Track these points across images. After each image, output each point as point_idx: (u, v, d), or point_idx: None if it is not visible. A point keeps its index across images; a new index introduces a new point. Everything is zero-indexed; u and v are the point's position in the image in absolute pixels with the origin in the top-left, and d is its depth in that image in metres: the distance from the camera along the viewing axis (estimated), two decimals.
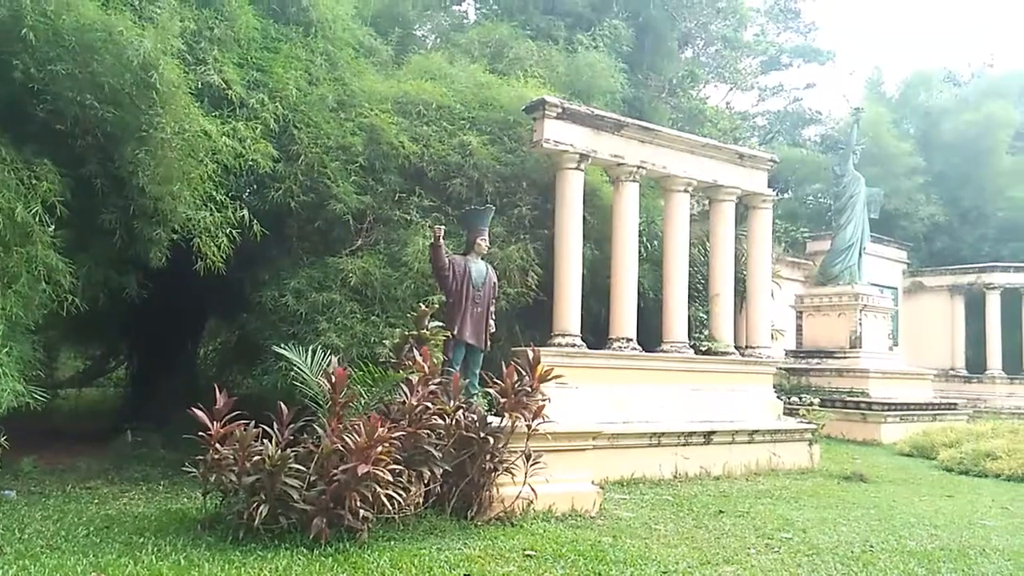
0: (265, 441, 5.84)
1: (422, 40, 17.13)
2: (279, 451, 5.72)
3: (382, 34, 12.81)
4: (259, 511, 5.50)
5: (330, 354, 7.17)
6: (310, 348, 7.17)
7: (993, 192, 26.45)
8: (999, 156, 26.78)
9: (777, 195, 28.89)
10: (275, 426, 5.97)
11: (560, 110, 10.20)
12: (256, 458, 5.71)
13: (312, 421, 6.33)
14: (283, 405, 6.11)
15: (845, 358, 18.25)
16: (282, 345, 7.08)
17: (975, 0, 64.55)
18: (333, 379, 6.11)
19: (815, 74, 29.20)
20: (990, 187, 26.41)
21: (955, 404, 19.50)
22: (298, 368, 6.78)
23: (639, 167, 10.96)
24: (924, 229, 26.44)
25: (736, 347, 12.33)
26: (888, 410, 16.87)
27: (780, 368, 17.61)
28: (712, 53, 21.30)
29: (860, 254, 19.45)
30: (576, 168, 10.44)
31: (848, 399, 17.22)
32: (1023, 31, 69.60)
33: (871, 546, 6.57)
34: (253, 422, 5.98)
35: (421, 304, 7.81)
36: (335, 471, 5.64)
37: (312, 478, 5.79)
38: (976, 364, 23.98)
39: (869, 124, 24.36)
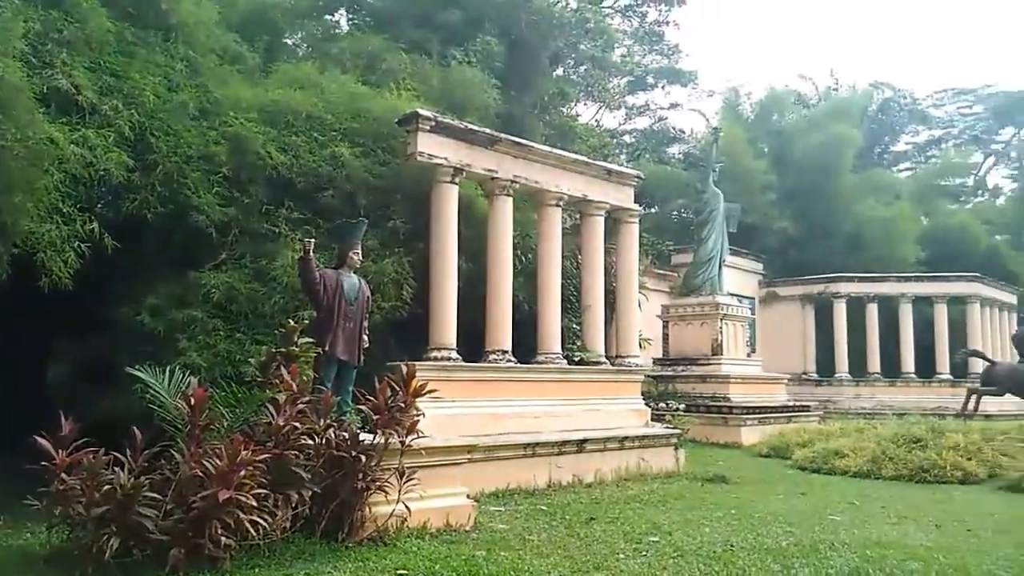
0: (117, 469, 5.47)
1: (292, 49, 16.72)
2: (132, 479, 5.37)
3: (249, 41, 12.40)
4: (109, 544, 5.15)
5: (190, 374, 6.83)
6: (168, 368, 6.80)
7: (839, 207, 28.62)
8: (844, 174, 29.06)
9: (644, 210, 30.08)
10: (128, 453, 5.61)
11: (434, 123, 10.21)
12: (107, 488, 5.33)
13: (170, 446, 6.00)
14: (136, 430, 5.75)
15: (708, 365, 19.17)
16: (138, 366, 6.67)
17: (824, 27, 69.85)
18: (192, 401, 5.81)
19: (679, 95, 30.97)
20: (837, 203, 28.56)
21: (808, 406, 20.87)
22: (154, 390, 6.41)
23: (513, 181, 11.12)
24: (778, 242, 28.25)
25: (607, 356, 12.70)
26: (747, 413, 17.83)
27: (648, 376, 18.26)
28: (582, 72, 21.99)
29: (720, 266, 20.53)
30: (451, 182, 10.46)
31: (711, 404, 18.07)
32: (862, 55, 75.92)
33: (732, 545, 6.91)
34: (103, 449, 5.59)
35: (290, 320, 7.58)
36: (194, 498, 5.36)
37: (169, 507, 5.48)
38: (826, 368, 25.78)
39: (727, 143, 25.83)
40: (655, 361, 20.18)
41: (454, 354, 10.24)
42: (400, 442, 6.66)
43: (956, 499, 10.38)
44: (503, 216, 11.05)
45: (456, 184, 10.52)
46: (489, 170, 10.90)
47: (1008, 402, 18.99)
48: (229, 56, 11.03)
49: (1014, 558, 6.77)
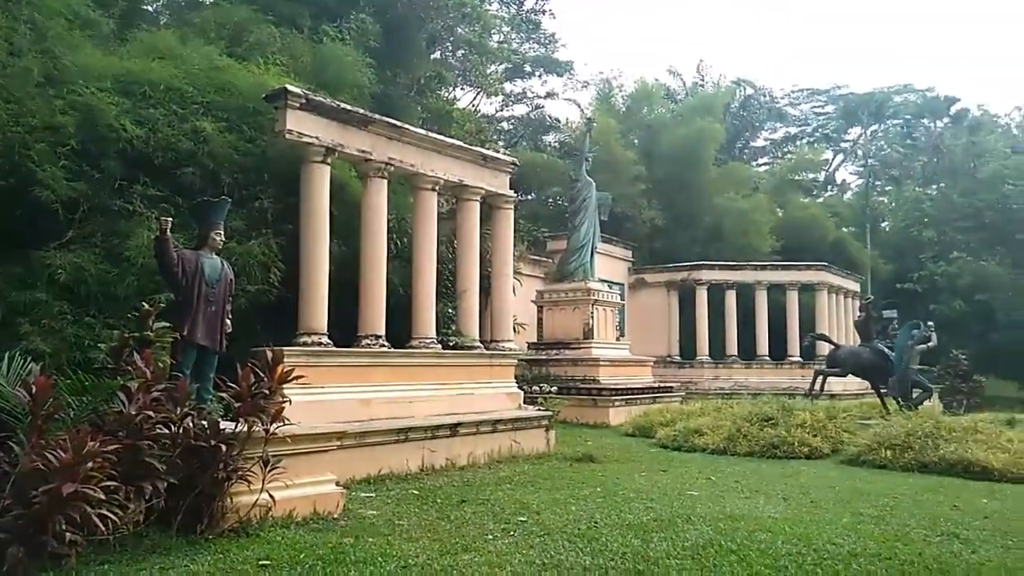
0: None
1: (152, 16, 15.73)
2: None
3: (103, 6, 11.55)
4: None
5: (32, 361, 6.32)
6: (8, 354, 6.26)
7: (702, 199, 30.03)
8: (707, 167, 30.48)
9: (520, 197, 30.43)
10: None
11: (304, 101, 9.88)
12: None
13: (9, 438, 5.54)
14: None
15: (579, 348, 19.72)
16: None
17: (693, 23, 72.73)
18: (33, 389, 5.38)
19: (555, 84, 31.47)
20: (700, 194, 29.95)
21: (671, 387, 21.87)
22: None
23: (387, 164, 10.95)
24: (646, 231, 29.33)
25: (482, 341, 12.79)
26: (615, 395, 18.49)
27: (522, 360, 18.57)
28: (460, 57, 21.92)
29: (592, 253, 21.11)
30: (322, 162, 10.17)
31: (582, 386, 18.61)
32: (727, 53, 79.76)
33: (596, 522, 7.14)
34: None
35: (145, 303, 7.15)
36: (35, 493, 4.98)
37: (7, 502, 5.06)
38: (688, 351, 27.07)
39: (600, 133, 26.52)
40: (530, 345, 20.55)
41: (325, 339, 10.00)
42: (264, 430, 6.44)
43: (803, 473, 11.15)
44: (377, 199, 10.87)
45: (328, 164, 10.25)
46: (363, 151, 10.68)
47: (851, 382, 20.65)
48: (80, 21, 10.22)
49: (851, 527, 7.35)
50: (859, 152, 45.24)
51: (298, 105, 9.81)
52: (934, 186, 38.65)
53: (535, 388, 16.93)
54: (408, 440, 10.10)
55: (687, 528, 6.94)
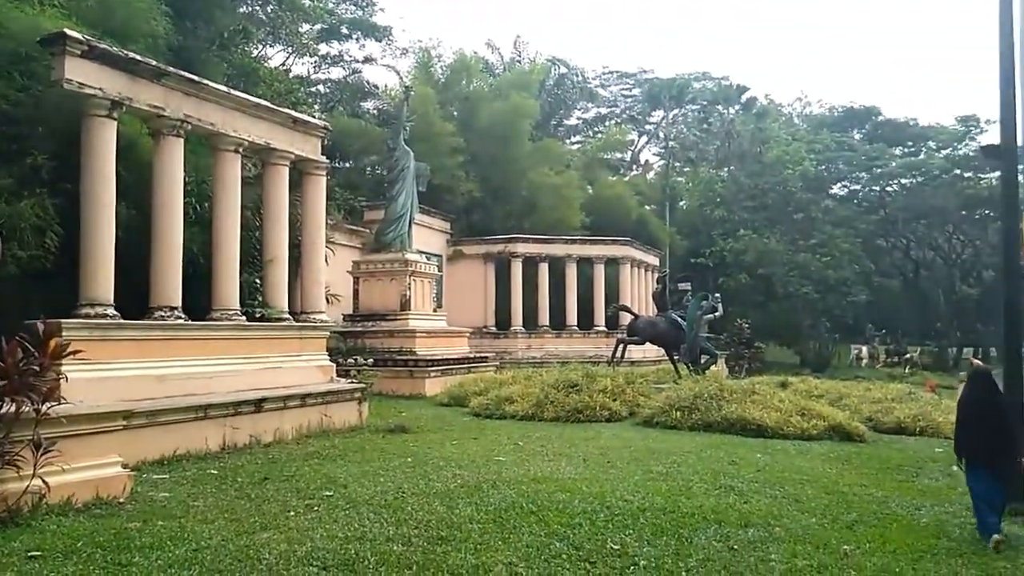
0: None
1: None
2: None
3: None
4: None
5: None
6: None
7: (517, 173, 30.68)
8: (523, 142, 31.14)
9: (338, 164, 29.56)
10: None
11: (86, 48, 8.91)
12: None
13: None
14: None
15: (396, 320, 19.59)
16: None
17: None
18: None
19: (373, 49, 30.57)
20: (515, 169, 30.58)
21: (487, 357, 22.36)
22: None
23: (184, 121, 10.17)
24: (464, 203, 29.58)
25: (292, 313, 12.34)
26: (431, 366, 18.61)
27: (337, 332, 18.18)
28: (270, 12, 20.71)
29: (410, 224, 20.96)
30: (108, 116, 9.27)
31: (398, 358, 18.55)
32: (543, 30, 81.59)
33: (403, 492, 7.17)
34: None
35: None
36: None
37: None
38: (504, 322, 27.74)
39: (419, 103, 26.25)
40: (345, 317, 20.14)
41: (112, 311, 9.18)
42: (35, 410, 5.85)
43: (602, 436, 11.81)
44: (172, 159, 10.09)
45: (114, 119, 9.35)
46: (155, 107, 9.85)
47: (650, 349, 22.10)
48: None
49: (642, 484, 7.90)
50: (661, 134, 48.18)
51: (79, 52, 8.84)
52: (726, 169, 41.98)
53: (351, 360, 16.65)
54: (208, 417, 9.57)
55: (492, 493, 7.14)
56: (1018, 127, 8.31)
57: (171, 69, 10.21)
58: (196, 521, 6.00)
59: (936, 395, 18.36)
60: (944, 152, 44.21)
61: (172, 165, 10.09)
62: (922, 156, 44.68)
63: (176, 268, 10.10)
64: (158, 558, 5.01)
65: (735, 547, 5.70)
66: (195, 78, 10.53)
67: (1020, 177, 8.63)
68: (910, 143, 46.10)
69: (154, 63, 10.03)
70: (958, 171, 42.70)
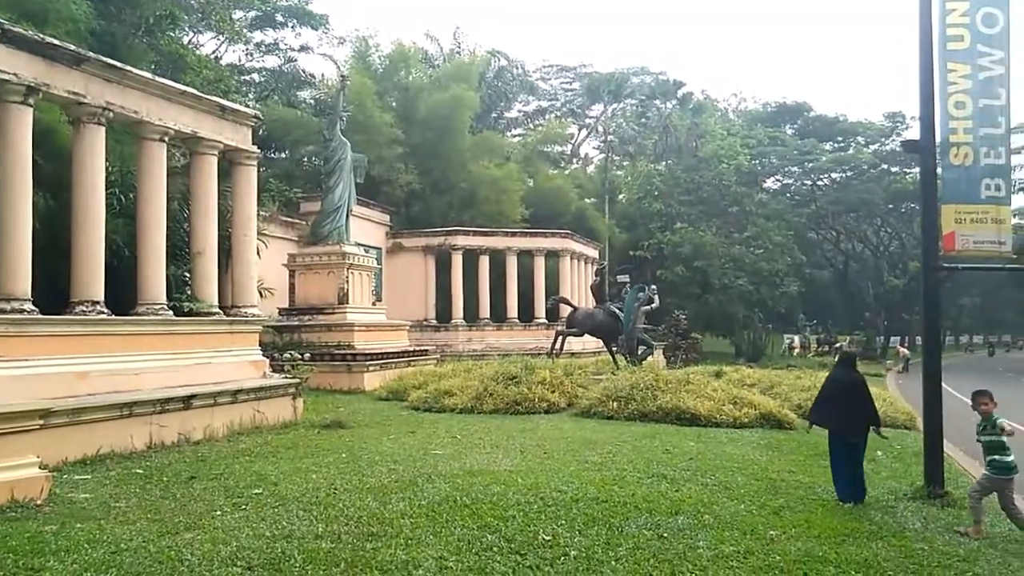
0: None
1: None
2: None
3: None
4: None
5: None
6: None
7: (458, 165, 30.53)
8: (463, 134, 30.98)
9: (274, 155, 28.95)
10: None
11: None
12: None
13: None
14: None
15: (334, 314, 19.28)
16: None
17: None
18: None
19: (309, 37, 29.87)
20: (455, 161, 30.42)
21: (427, 351, 22.21)
22: None
23: (105, 109, 9.79)
24: (403, 195, 29.30)
25: (222, 307, 12.02)
26: (370, 360, 18.39)
27: (272, 326, 17.82)
28: None
29: (348, 216, 20.64)
30: (23, 103, 8.88)
31: (336, 352, 18.27)
32: (483, 22, 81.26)
33: (336, 488, 7.05)
34: None
35: None
36: None
37: None
38: (444, 315, 27.62)
39: (356, 93, 25.88)
40: (281, 311, 19.74)
41: (28, 305, 8.80)
42: None
43: (540, 427, 11.85)
44: (93, 148, 9.71)
45: (30, 106, 8.95)
46: (74, 93, 9.45)
47: (589, 341, 22.30)
48: None
49: (577, 474, 7.95)
50: (600, 128, 48.56)
51: None
52: (663, 162, 42.58)
53: (286, 355, 16.34)
54: (133, 415, 9.25)
55: (426, 487, 7.09)
56: (937, 123, 8.62)
57: (91, 55, 9.81)
58: (117, 523, 5.79)
59: None
60: (872, 147, 45.83)
61: (93, 154, 9.71)
62: (851, 151, 46.21)
63: (98, 261, 9.73)
64: (74, 562, 4.82)
65: (665, 535, 5.78)
66: (117, 64, 10.14)
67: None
68: (840, 138, 47.64)
69: (73, 48, 9.62)
70: (885, 166, 44.33)
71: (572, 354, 21.76)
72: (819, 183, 47.69)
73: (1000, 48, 8.51)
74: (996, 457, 6.37)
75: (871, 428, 7.68)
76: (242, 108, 12.56)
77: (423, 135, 29.79)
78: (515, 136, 44.63)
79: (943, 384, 8.02)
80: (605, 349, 19.32)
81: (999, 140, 8.63)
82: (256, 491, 6.92)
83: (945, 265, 8.87)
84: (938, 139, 8.62)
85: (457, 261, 27.32)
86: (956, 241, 8.50)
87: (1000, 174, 8.67)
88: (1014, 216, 45.71)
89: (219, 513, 6.12)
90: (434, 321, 27.58)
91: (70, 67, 9.40)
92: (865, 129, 46.55)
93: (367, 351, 18.64)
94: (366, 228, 25.42)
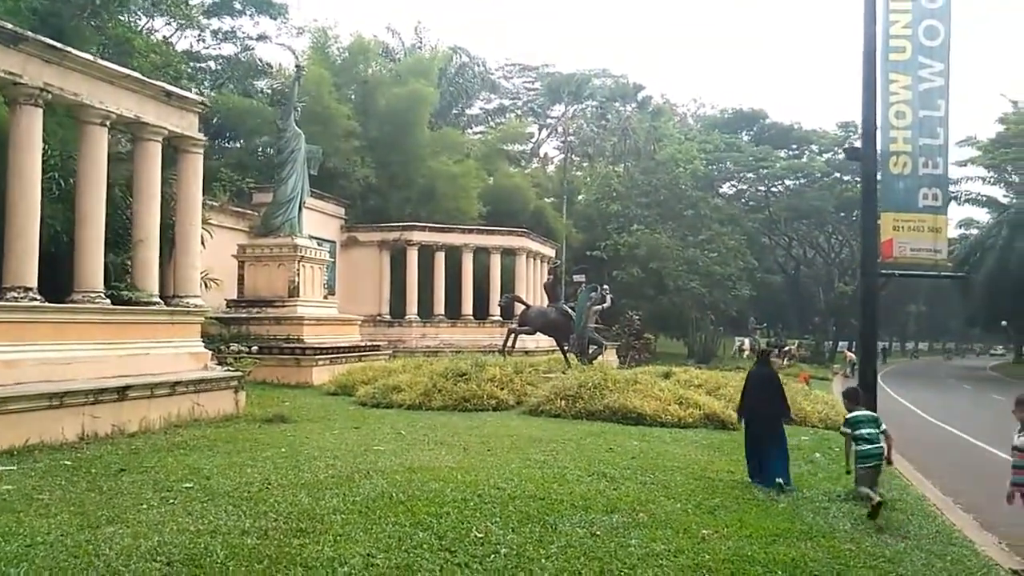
0: None
1: None
2: None
3: None
4: None
5: None
6: None
7: (416, 160, 30.31)
8: (422, 129, 30.79)
9: (227, 143, 28.42)
10: None
11: None
12: None
13: None
14: None
15: (284, 307, 18.99)
16: None
17: None
18: None
19: (268, 26, 29.36)
20: (414, 156, 30.19)
21: (379, 346, 22.01)
22: None
23: (44, 90, 9.48)
24: (359, 189, 29.00)
25: (164, 297, 11.74)
26: (319, 354, 18.16)
27: (219, 318, 17.49)
28: None
29: (301, 208, 20.31)
30: None
31: (285, 346, 17.99)
32: (445, 17, 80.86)
33: (269, 483, 6.92)
34: None
35: None
36: None
37: None
38: (398, 310, 27.42)
39: (313, 84, 25.53)
40: (229, 303, 19.37)
41: None
42: None
43: (488, 424, 11.82)
44: (30, 130, 9.39)
45: None
46: (11, 73, 9.13)
47: (542, 339, 22.31)
48: None
49: (518, 472, 7.93)
50: (560, 128, 48.71)
51: None
52: (622, 164, 42.87)
53: (233, 348, 16.03)
54: (64, 406, 8.98)
55: (363, 483, 7.00)
56: (878, 132, 8.81)
57: (29, 34, 9.49)
58: (36, 515, 5.61)
59: (807, 386, 19.38)
60: (825, 156, 46.76)
61: (30, 136, 9.40)
62: (805, 159, 47.11)
63: (32, 246, 9.42)
64: None
65: (598, 533, 5.79)
66: (57, 45, 9.82)
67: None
68: (794, 146, 48.53)
69: (10, 27, 9.29)
70: (838, 174, 45.25)
71: (525, 352, 21.79)
72: (773, 190, 48.53)
73: (940, 60, 8.74)
74: None
75: (783, 417, 8.45)
76: (188, 94, 12.27)
77: (381, 129, 29.52)
78: (476, 133, 44.52)
79: (882, 386, 8.20)
80: (557, 348, 19.38)
81: (937, 151, 8.86)
82: (187, 485, 6.76)
83: (882, 271, 9.08)
84: (879, 148, 8.82)
85: (413, 257, 27.15)
86: (894, 248, 8.72)
87: (938, 184, 8.91)
88: (958, 228, 47.24)
89: (145, 507, 5.96)
90: (388, 316, 27.36)
91: (7, 46, 9.08)
92: (819, 138, 47.48)
93: (317, 345, 18.40)
94: (320, 221, 25.08)
